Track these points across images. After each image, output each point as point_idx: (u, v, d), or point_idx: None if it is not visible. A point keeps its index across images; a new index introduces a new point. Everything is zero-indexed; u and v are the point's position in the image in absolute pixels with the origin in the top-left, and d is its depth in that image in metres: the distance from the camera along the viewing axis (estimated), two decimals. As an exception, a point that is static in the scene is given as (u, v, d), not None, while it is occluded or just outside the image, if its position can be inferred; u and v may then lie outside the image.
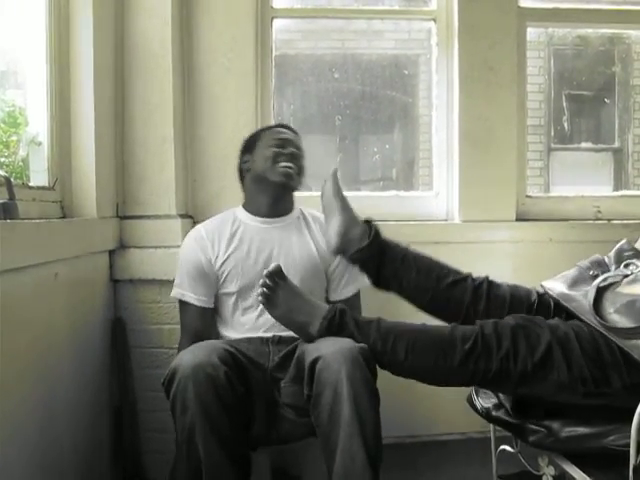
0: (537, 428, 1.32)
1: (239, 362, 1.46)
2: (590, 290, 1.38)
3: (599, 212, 2.32)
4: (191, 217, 2.09)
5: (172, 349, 1.87)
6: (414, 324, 1.40)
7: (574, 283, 1.46)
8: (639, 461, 1.15)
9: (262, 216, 1.75)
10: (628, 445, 1.16)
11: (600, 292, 1.36)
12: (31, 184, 1.61)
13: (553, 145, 3.65)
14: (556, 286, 1.48)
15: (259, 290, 1.46)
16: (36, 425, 1.37)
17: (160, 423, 1.87)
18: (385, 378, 1.40)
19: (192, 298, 1.70)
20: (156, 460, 1.94)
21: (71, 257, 1.58)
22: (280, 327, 1.55)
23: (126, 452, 1.90)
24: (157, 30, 1.94)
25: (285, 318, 1.47)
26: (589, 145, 3.72)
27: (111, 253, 1.91)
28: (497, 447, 1.59)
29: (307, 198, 1.96)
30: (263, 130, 1.82)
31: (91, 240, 1.74)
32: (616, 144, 3.63)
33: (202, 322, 1.69)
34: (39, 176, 1.67)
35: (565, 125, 3.41)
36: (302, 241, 1.74)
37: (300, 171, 1.75)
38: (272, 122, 2.21)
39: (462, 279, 1.54)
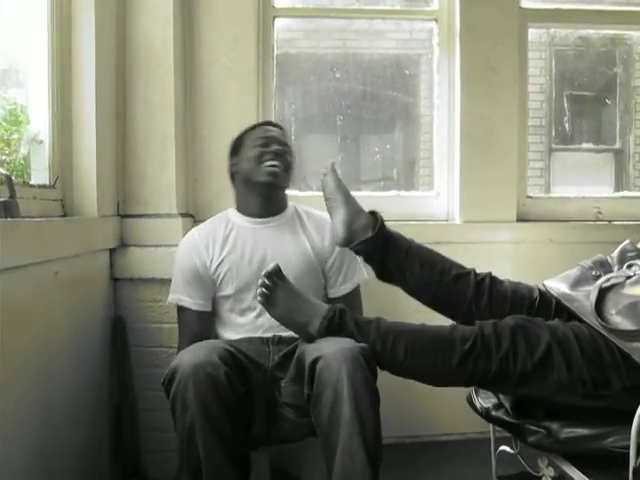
0: (536, 429, 1.32)
1: (239, 362, 1.46)
2: (592, 291, 1.37)
3: (600, 213, 2.32)
4: (192, 216, 2.09)
5: (172, 348, 1.87)
6: (413, 324, 1.40)
7: (576, 283, 1.45)
8: (639, 463, 1.15)
9: (254, 217, 1.74)
10: (628, 447, 1.16)
11: (602, 293, 1.36)
12: (32, 182, 1.61)
13: (554, 146, 3.65)
14: (558, 286, 1.48)
15: (258, 290, 1.45)
16: (36, 423, 1.37)
17: (160, 422, 1.87)
18: (385, 378, 1.40)
19: (189, 303, 1.69)
20: (155, 459, 1.94)
21: (71, 255, 1.58)
22: (279, 328, 1.56)
23: (126, 451, 1.91)
24: (159, 30, 1.94)
25: (285, 318, 1.46)
26: (590, 146, 3.72)
27: (111, 252, 1.91)
28: (497, 448, 1.59)
29: (308, 198, 1.96)
30: (247, 130, 1.79)
31: (92, 239, 1.74)
32: (617, 145, 3.62)
33: (200, 326, 1.69)
34: (40, 174, 1.67)
35: (566, 126, 3.41)
36: (296, 239, 1.73)
37: (287, 167, 1.72)
38: (273, 121, 2.21)
39: (465, 274, 1.54)
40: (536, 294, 1.52)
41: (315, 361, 1.34)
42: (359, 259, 1.73)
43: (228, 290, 1.69)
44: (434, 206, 2.28)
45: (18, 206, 1.33)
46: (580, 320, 1.36)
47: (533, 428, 1.32)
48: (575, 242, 2.13)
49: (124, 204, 1.96)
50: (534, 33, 2.42)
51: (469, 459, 1.93)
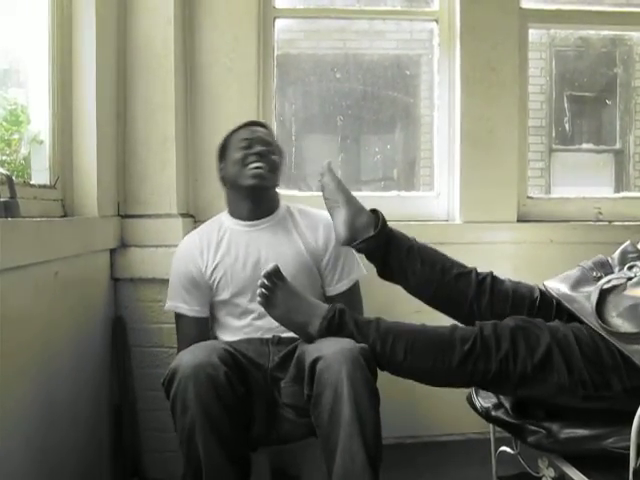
0: (536, 429, 1.31)
1: (239, 362, 1.46)
2: (593, 292, 1.37)
3: (600, 213, 2.32)
4: (192, 216, 2.09)
5: (172, 348, 1.86)
6: (413, 324, 1.40)
7: (577, 284, 1.45)
8: (639, 464, 1.15)
9: (245, 220, 1.73)
10: (628, 448, 1.16)
11: (603, 295, 1.36)
12: (32, 182, 1.61)
13: (554, 146, 3.65)
14: (558, 286, 1.48)
15: (258, 291, 1.45)
16: (36, 423, 1.37)
17: (160, 422, 1.87)
18: (385, 378, 1.39)
19: (186, 309, 1.69)
20: (155, 459, 1.94)
21: (72, 256, 1.58)
22: (278, 329, 1.56)
23: (126, 451, 1.90)
24: (159, 30, 1.94)
25: (284, 318, 1.46)
26: (590, 146, 3.72)
27: (112, 252, 1.91)
28: (497, 448, 1.59)
29: (308, 198, 1.96)
30: (232, 133, 1.76)
31: (92, 239, 1.74)
32: (617, 145, 3.63)
33: (198, 332, 1.68)
34: (40, 174, 1.67)
35: (566, 126, 3.42)
36: (290, 239, 1.72)
37: (272, 167, 1.70)
38: (274, 121, 2.22)
39: (467, 273, 1.53)
40: (537, 294, 1.52)
41: (315, 361, 1.34)
42: (357, 256, 1.73)
43: (224, 295, 1.68)
44: (434, 206, 2.28)
45: (18, 206, 1.33)
46: (580, 321, 1.36)
47: (533, 428, 1.32)
48: (575, 243, 2.13)
49: (124, 204, 1.96)
50: (534, 34, 2.42)
51: (469, 459, 1.93)
